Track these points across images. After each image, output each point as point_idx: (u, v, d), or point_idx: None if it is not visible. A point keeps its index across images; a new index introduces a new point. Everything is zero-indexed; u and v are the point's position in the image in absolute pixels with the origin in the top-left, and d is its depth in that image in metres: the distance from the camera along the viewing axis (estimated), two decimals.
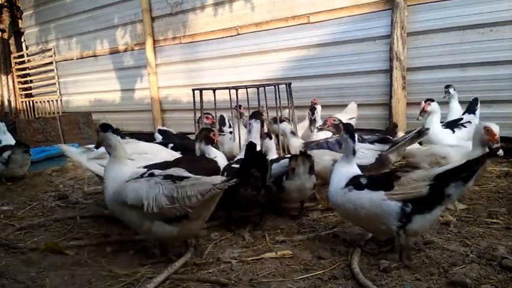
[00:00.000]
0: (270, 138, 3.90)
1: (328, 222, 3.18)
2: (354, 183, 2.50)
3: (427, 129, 3.47)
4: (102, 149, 3.56)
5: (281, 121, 4.13)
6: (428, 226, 2.44)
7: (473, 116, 4.12)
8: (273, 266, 2.46)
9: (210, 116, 4.63)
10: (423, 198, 2.27)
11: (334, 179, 2.62)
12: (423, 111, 4.09)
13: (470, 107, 4.23)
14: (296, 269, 2.42)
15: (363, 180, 2.48)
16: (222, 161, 3.60)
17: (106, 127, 2.76)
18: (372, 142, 3.45)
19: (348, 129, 2.65)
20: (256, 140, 3.46)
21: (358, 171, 2.64)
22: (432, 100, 4.25)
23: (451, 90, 4.46)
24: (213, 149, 3.65)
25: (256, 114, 3.69)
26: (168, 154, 3.72)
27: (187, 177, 2.47)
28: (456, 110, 4.39)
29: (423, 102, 4.07)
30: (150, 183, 2.46)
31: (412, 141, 3.42)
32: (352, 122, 5.01)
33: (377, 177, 2.61)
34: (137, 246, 2.89)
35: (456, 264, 2.35)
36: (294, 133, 4.10)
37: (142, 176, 2.61)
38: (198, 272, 2.45)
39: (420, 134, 3.34)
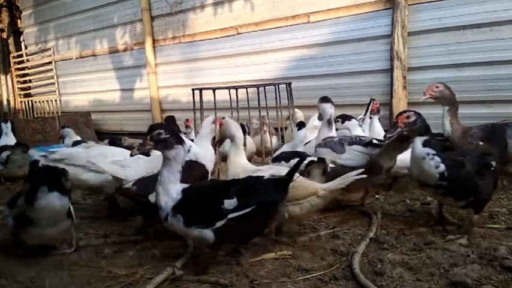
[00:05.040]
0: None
1: (329, 222, 3.18)
2: None
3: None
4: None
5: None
6: None
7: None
8: (273, 267, 2.45)
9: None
10: None
11: None
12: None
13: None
14: (296, 270, 2.41)
15: None
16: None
17: None
18: (365, 145, 3.22)
19: None
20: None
21: None
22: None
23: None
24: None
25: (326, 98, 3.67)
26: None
27: None
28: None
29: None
30: None
31: (401, 145, 2.99)
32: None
33: None
34: (137, 247, 2.88)
35: (457, 264, 2.34)
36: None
37: None
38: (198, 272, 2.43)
39: (405, 138, 2.84)
